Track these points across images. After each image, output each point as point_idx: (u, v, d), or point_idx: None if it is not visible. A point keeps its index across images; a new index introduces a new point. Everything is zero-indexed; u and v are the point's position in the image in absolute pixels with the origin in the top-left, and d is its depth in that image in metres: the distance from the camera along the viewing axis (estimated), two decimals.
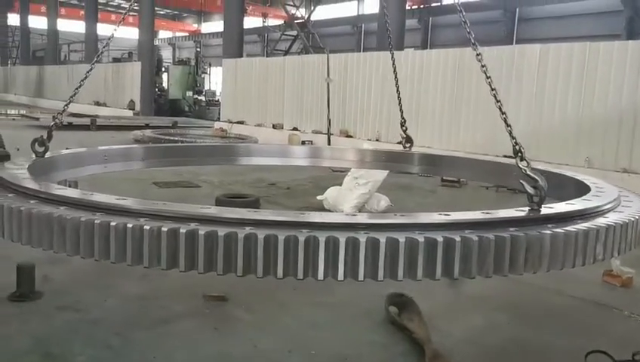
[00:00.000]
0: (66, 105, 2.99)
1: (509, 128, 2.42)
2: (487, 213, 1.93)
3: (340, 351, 3.45)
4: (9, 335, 3.41)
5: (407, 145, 4.22)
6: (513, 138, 2.35)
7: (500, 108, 2.51)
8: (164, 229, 1.81)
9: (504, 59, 10.83)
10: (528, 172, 2.11)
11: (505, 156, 9.99)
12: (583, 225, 1.94)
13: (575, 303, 4.45)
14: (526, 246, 1.80)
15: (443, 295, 4.28)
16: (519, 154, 2.25)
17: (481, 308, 4.20)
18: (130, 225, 1.84)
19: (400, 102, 4.38)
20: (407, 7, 25.62)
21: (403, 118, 4.26)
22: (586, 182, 2.68)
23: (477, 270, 1.82)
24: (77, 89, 2.98)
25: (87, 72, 3.00)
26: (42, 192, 2.16)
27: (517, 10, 27.82)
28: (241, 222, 1.84)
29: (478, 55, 2.69)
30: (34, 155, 2.84)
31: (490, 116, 10.90)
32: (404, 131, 4.22)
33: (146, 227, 1.82)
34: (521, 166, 2.19)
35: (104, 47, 3.31)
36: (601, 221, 2.01)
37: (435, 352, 3.24)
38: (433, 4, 30.83)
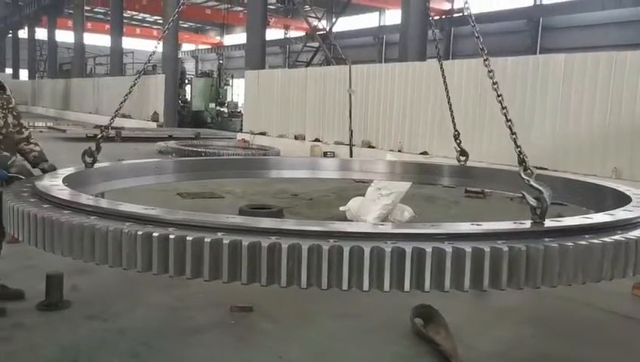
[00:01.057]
0: (112, 119, 3.10)
1: (514, 136, 2.37)
2: (520, 223, 1.91)
3: None
4: (38, 344, 3.46)
5: (463, 158, 3.91)
6: (518, 146, 2.30)
7: (506, 115, 2.46)
8: (189, 238, 1.83)
9: (529, 69, 10.74)
10: (532, 182, 2.07)
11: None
12: (621, 236, 1.90)
13: (604, 316, 4.37)
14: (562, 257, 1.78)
15: (468, 307, 4.23)
16: (523, 163, 2.19)
17: (508, 321, 4.14)
18: (155, 234, 1.87)
19: (452, 114, 4.09)
20: (429, 18, 25.62)
21: (456, 131, 3.96)
22: (627, 192, 2.61)
23: (507, 282, 1.80)
24: (122, 103, 3.07)
25: (131, 88, 3.09)
26: (73, 203, 2.20)
27: (540, 19, 27.59)
28: (266, 232, 1.85)
29: (487, 63, 2.64)
30: (84, 165, 3.00)
31: (515, 126, 10.82)
32: (459, 144, 3.93)
33: (172, 236, 1.85)
34: (524, 176, 2.13)
35: (147, 63, 3.41)
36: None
37: None
38: (455, 15, 30.75)
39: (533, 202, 1.96)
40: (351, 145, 13.62)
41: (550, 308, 4.37)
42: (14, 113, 3.89)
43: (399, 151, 13.10)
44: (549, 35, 27.29)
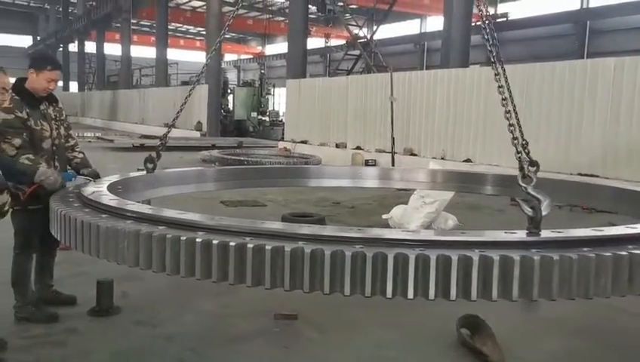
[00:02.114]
0: (169, 128, 3.22)
1: (516, 141, 2.30)
2: (600, 230, 1.88)
3: None
4: (90, 349, 3.56)
5: (532, 169, 3.55)
6: (519, 152, 2.23)
7: (516, 116, 2.40)
8: (232, 244, 1.86)
9: (577, 74, 10.49)
10: (529, 190, 2.00)
11: (579, 174, 9.68)
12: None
13: None
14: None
15: (516, 318, 4.14)
16: (522, 170, 2.12)
17: (556, 332, 4.03)
18: (199, 240, 1.91)
19: (519, 122, 3.73)
20: (472, 23, 25.33)
21: (524, 140, 3.67)
22: None
23: (557, 291, 1.77)
24: (178, 113, 3.19)
25: (186, 98, 3.21)
26: (129, 211, 2.27)
27: (588, 23, 26.92)
28: (308, 238, 1.87)
29: (497, 75, 2.58)
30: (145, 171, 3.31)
31: (562, 133, 10.57)
32: (527, 154, 3.66)
33: (215, 241, 1.88)
34: (521, 183, 2.06)
35: (199, 75, 3.57)
36: None
37: None
38: (499, 20, 30.30)
39: (528, 211, 1.91)
40: (393, 153, 13.55)
41: (599, 318, 4.23)
42: (65, 125, 4.05)
43: (442, 158, 12.96)
44: (596, 38, 26.59)
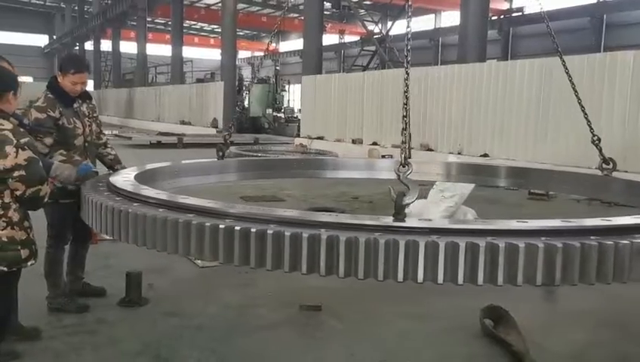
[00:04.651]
0: (231, 126, 3.39)
1: (405, 132, 2.28)
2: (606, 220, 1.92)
3: None
4: (120, 338, 3.65)
5: (608, 167, 3.49)
6: (403, 143, 2.25)
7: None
8: (253, 230, 1.93)
9: (595, 68, 10.43)
10: (402, 178, 2.04)
11: (597, 168, 9.62)
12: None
13: None
14: None
15: (541, 310, 4.17)
16: (402, 158, 2.15)
17: (581, 324, 4.05)
18: (222, 226, 2.00)
19: (586, 116, 3.59)
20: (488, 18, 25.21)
21: (596, 136, 3.49)
22: None
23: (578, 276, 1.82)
24: (233, 122, 3.32)
25: (239, 101, 3.32)
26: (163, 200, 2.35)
27: (604, 16, 26.66)
28: (324, 225, 1.93)
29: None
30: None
31: (580, 126, 10.48)
32: (600, 150, 3.48)
33: (237, 228, 1.95)
34: (397, 172, 2.11)
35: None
36: None
37: None
38: (515, 14, 30.09)
39: (393, 197, 1.97)
40: (409, 148, 13.53)
41: (626, 313, 4.24)
42: (97, 122, 4.14)
43: (459, 153, 12.95)
44: (613, 32, 26.33)
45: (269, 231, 1.90)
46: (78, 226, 3.71)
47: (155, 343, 3.56)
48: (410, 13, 2.55)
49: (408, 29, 2.50)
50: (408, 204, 1.96)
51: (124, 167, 4.02)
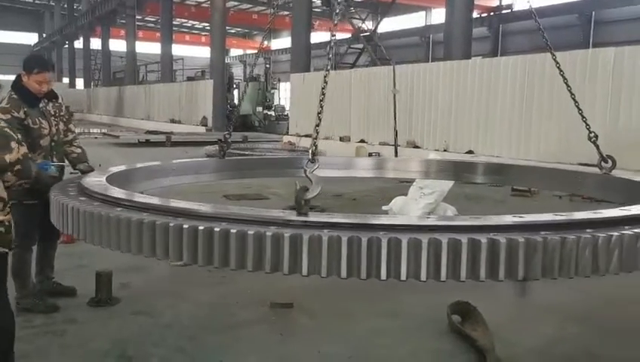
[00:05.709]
0: (231, 123, 3.44)
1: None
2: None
3: (403, 358, 3.46)
4: (89, 338, 3.64)
5: (607, 165, 3.35)
6: (314, 139, 2.22)
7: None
8: (233, 231, 1.91)
9: (577, 63, 10.47)
10: (307, 173, 2.05)
11: (580, 164, 9.67)
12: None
13: None
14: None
15: (511, 304, 4.19)
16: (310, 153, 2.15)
17: (550, 319, 4.08)
18: (201, 228, 1.97)
19: (581, 112, 3.47)
20: (476, 15, 25.22)
21: (593, 132, 3.36)
22: None
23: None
24: (232, 122, 3.24)
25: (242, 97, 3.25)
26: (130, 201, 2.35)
27: (593, 13, 26.76)
28: (309, 225, 1.92)
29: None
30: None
31: (563, 123, 10.55)
32: (598, 148, 3.34)
33: (216, 229, 1.93)
34: (305, 167, 2.10)
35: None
36: None
37: (498, 360, 3.19)
38: (504, 11, 30.16)
39: (297, 190, 1.98)
40: (396, 145, 13.58)
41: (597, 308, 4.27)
42: (64, 120, 4.11)
43: (444, 150, 12.99)
44: (602, 29, 26.44)
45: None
46: (45, 226, 3.69)
47: (124, 342, 3.55)
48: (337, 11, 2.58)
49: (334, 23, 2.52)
50: (309, 199, 1.96)
51: (89, 166, 4.00)
